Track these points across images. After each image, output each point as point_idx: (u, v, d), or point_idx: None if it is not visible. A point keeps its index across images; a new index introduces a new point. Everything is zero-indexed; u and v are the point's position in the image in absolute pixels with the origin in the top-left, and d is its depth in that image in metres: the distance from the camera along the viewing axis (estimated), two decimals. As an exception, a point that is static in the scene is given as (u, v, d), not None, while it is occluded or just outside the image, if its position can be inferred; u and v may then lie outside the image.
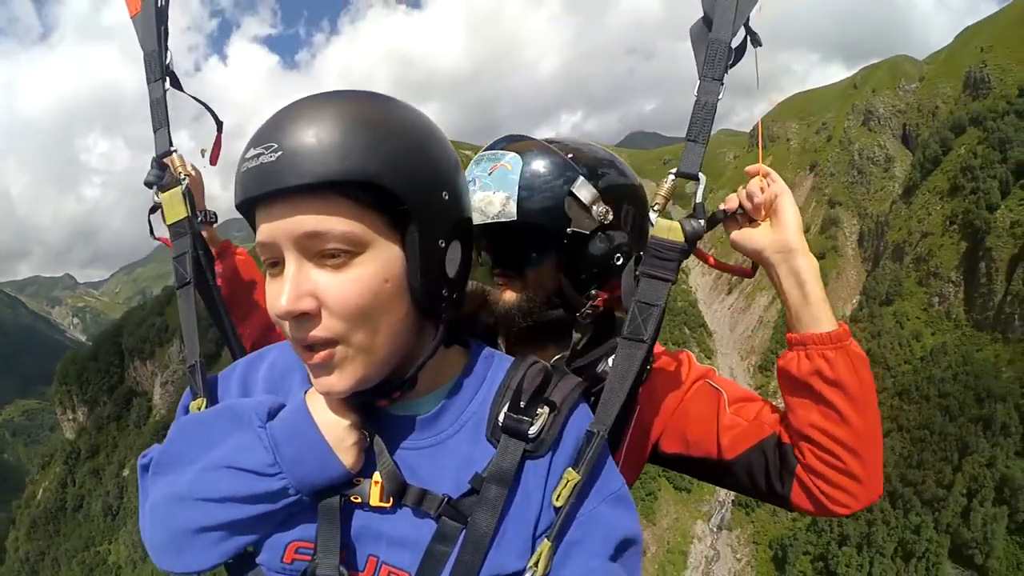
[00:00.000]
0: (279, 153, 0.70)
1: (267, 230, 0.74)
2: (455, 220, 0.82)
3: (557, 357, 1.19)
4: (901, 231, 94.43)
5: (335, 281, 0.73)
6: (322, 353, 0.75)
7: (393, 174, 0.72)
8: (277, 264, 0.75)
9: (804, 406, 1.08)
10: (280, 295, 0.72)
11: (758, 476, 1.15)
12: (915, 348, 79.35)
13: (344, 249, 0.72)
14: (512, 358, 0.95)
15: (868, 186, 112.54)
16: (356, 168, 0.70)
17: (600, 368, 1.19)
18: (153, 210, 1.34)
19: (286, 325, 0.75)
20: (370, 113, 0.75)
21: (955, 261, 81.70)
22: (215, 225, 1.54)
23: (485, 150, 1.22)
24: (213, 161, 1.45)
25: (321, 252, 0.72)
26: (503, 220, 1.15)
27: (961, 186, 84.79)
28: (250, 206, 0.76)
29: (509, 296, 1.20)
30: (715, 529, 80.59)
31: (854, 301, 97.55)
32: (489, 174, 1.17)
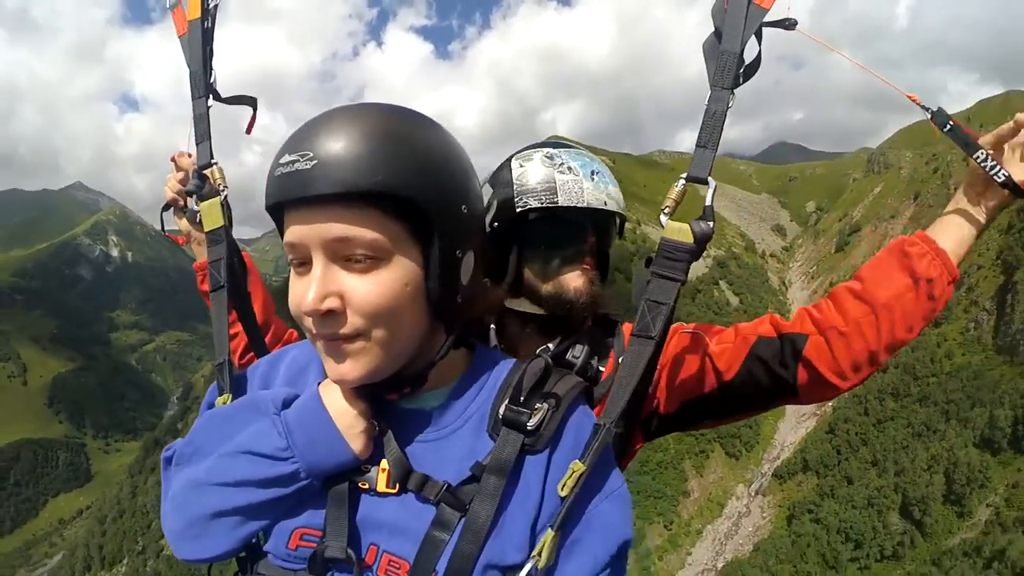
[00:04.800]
0: (314, 162, 0.73)
1: (297, 232, 0.77)
2: (471, 231, 0.86)
3: (542, 348, 1.27)
4: (966, 262, 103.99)
5: (360, 283, 0.77)
6: (341, 342, 0.79)
7: (419, 188, 0.76)
8: (304, 264, 0.79)
9: (891, 286, 1.13)
10: (307, 293, 0.76)
11: (761, 377, 1.20)
12: (944, 365, 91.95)
13: (369, 255, 0.76)
14: (514, 360, 0.98)
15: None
16: (385, 181, 0.74)
17: (569, 355, 1.26)
18: (166, 207, 1.43)
19: (307, 320, 0.79)
20: (398, 128, 0.79)
21: (991, 292, 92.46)
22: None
23: (566, 147, 1.31)
24: (248, 130, 1.52)
25: (348, 256, 0.76)
26: (621, 212, 1.27)
27: (1013, 224, 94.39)
28: (281, 208, 0.80)
29: (585, 284, 1.27)
30: (752, 493, 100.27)
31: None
32: (605, 173, 1.28)
